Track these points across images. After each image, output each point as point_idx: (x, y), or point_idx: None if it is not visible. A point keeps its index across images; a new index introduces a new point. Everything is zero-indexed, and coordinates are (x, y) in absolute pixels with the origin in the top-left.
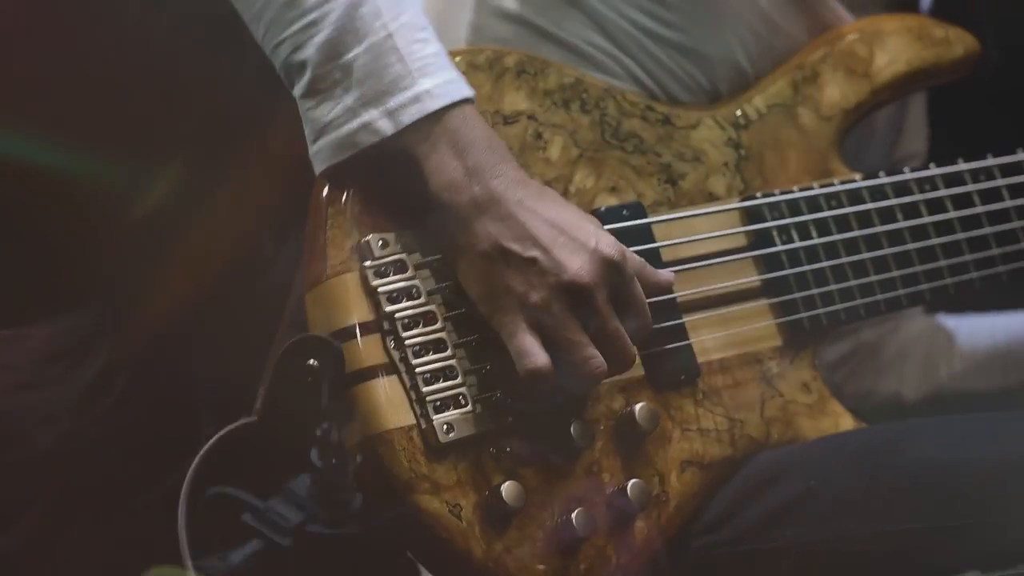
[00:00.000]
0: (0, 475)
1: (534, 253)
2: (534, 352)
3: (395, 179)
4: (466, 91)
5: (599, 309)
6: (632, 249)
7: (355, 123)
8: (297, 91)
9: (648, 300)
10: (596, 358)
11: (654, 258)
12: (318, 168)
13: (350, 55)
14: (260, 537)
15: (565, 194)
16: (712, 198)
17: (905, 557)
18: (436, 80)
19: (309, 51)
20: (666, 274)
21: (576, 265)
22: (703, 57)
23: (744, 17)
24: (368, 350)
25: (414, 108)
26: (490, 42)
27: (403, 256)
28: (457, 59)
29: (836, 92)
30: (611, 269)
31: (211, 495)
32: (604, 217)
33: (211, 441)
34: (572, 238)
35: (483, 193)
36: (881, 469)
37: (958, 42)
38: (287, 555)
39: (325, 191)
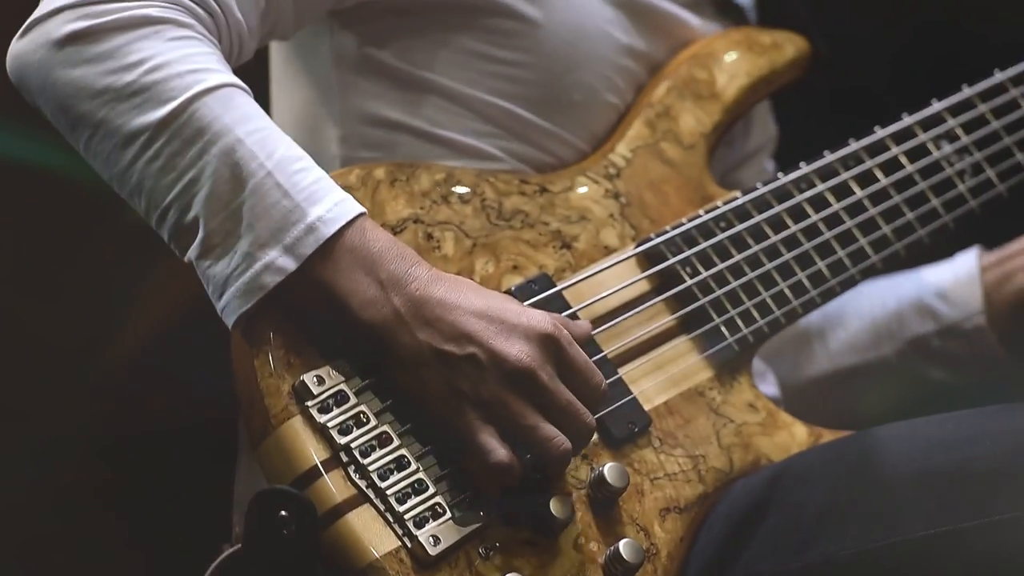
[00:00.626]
0: None
1: (471, 350)
2: (494, 448)
3: (311, 311)
4: (357, 207)
5: (547, 387)
6: None
7: (257, 266)
8: (192, 254)
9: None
10: (557, 437)
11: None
12: (230, 322)
13: (236, 202)
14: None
15: None
16: (609, 251)
17: (916, 564)
18: (326, 205)
19: (196, 209)
20: (584, 323)
21: (515, 351)
22: (573, 106)
23: (601, 54)
24: (335, 486)
25: (311, 238)
26: (361, 150)
27: (341, 386)
28: None
29: (691, 120)
30: (549, 343)
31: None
32: (516, 296)
33: None
34: (502, 323)
35: (403, 302)
36: (882, 479)
37: (787, 43)
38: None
39: (246, 344)
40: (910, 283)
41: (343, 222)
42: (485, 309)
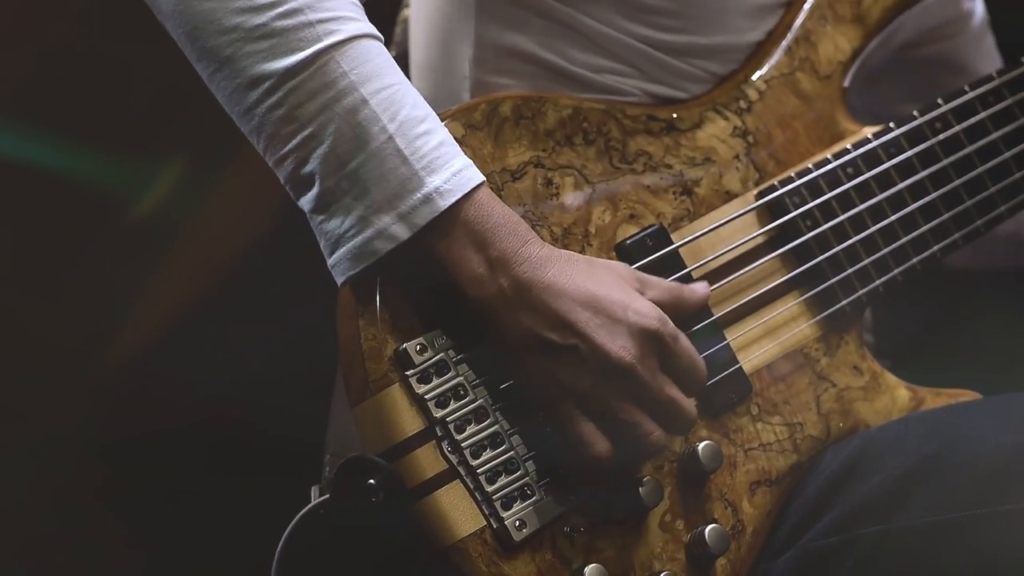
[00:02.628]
0: None
1: (573, 340)
2: (592, 441)
3: (419, 280)
4: (476, 178)
5: (648, 384)
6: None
7: (369, 231)
8: (306, 205)
9: (694, 330)
10: (654, 433)
11: (686, 280)
12: (339, 279)
13: (354, 163)
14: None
15: (586, 236)
16: (730, 196)
17: (969, 544)
18: (444, 175)
19: (313, 164)
20: (700, 288)
21: (617, 346)
22: (714, 49)
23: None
24: (426, 461)
25: (426, 209)
26: (492, 75)
27: (443, 356)
28: (454, 122)
29: (830, 46)
30: (652, 339)
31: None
32: (630, 252)
33: (291, 524)
34: (608, 316)
35: (510, 284)
36: (940, 458)
37: None
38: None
39: (352, 303)
40: None
41: (460, 195)
42: (592, 298)
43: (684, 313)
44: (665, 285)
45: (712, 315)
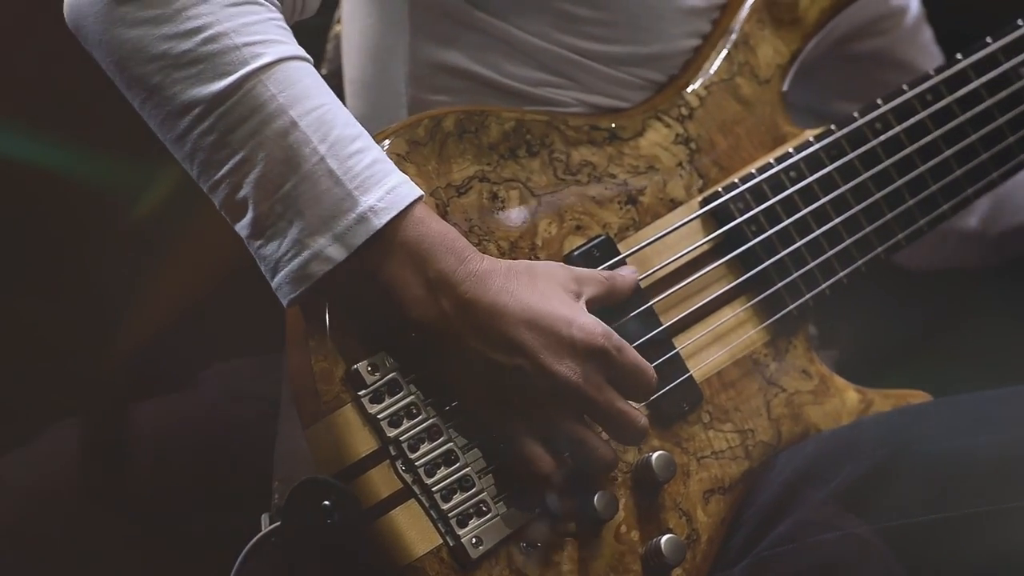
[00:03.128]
0: None
1: (519, 361)
2: (538, 457)
3: (364, 300)
4: (411, 194)
5: (595, 400)
6: None
7: (306, 254)
8: (243, 231)
9: (643, 340)
10: (601, 449)
11: (635, 294)
12: (284, 302)
13: (287, 186)
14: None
15: (533, 248)
16: (675, 204)
17: (925, 549)
18: (378, 193)
19: (247, 189)
20: (628, 273)
21: (563, 366)
22: (651, 57)
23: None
24: (381, 481)
25: (361, 228)
26: (428, 92)
27: (395, 375)
28: (397, 139)
29: (769, 50)
30: (597, 355)
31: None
32: (578, 263)
33: (243, 553)
34: (552, 334)
35: (452, 305)
36: (890, 463)
37: None
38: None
39: (300, 325)
40: None
41: (395, 212)
42: (535, 316)
43: (620, 301)
44: (598, 278)
45: (661, 324)
